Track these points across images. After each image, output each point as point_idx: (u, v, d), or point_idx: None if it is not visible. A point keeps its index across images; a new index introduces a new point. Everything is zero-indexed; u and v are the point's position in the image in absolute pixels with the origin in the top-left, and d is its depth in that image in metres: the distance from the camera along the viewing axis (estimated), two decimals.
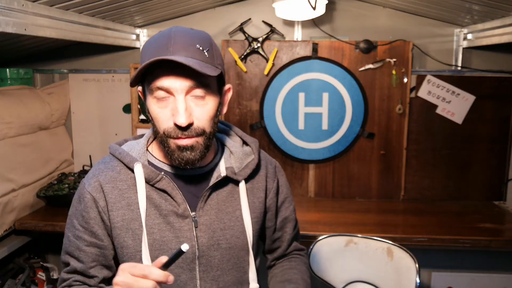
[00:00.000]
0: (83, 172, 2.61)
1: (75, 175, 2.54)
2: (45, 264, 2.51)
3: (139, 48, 2.68)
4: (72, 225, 1.07)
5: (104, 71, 2.70)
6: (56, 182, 2.43)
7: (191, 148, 0.96)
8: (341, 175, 2.62)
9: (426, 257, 2.38)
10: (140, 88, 1.04)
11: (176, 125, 0.94)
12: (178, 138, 0.95)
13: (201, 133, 0.96)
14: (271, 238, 1.25)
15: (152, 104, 0.96)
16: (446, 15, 2.38)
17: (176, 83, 0.92)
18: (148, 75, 0.95)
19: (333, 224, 2.15)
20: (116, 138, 2.73)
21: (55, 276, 2.51)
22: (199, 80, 0.93)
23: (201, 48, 0.94)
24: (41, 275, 2.46)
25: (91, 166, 2.72)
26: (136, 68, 2.59)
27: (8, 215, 2.15)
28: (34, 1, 1.61)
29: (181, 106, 0.92)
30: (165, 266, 0.84)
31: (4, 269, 2.30)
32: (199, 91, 0.94)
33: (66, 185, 2.40)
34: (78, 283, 1.05)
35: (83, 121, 2.75)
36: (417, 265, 1.65)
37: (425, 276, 2.47)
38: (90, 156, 2.74)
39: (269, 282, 1.25)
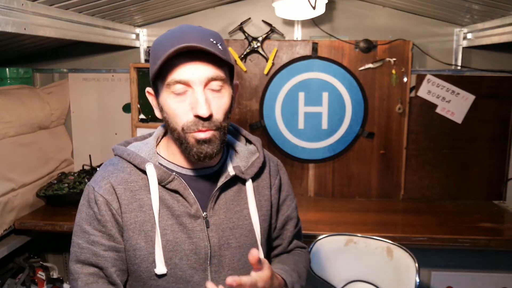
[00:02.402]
0: (83, 172, 2.61)
1: (75, 174, 2.54)
2: (45, 264, 2.51)
3: (139, 47, 2.67)
4: (84, 231, 1.02)
5: (104, 71, 2.70)
6: (56, 181, 2.43)
7: (209, 141, 0.96)
8: (341, 175, 2.62)
9: (426, 257, 2.38)
10: (149, 89, 1.03)
11: (196, 117, 0.94)
12: (198, 131, 0.95)
13: (219, 126, 0.97)
14: (273, 236, 1.24)
15: (168, 100, 0.96)
16: (446, 14, 2.38)
17: (195, 75, 0.93)
18: (163, 70, 0.95)
19: (333, 224, 2.15)
20: (116, 137, 2.73)
21: (55, 276, 2.51)
22: (217, 72, 0.94)
23: (214, 41, 0.95)
24: (41, 274, 2.46)
25: (91, 165, 2.72)
26: (136, 68, 2.60)
27: (8, 215, 2.15)
28: (33, 1, 1.61)
29: (202, 97, 0.93)
30: None
31: (4, 268, 2.30)
32: (216, 83, 0.95)
33: (66, 185, 2.40)
34: None
35: (83, 120, 2.75)
36: (416, 265, 1.65)
37: (425, 275, 2.47)
38: (90, 155, 2.73)
39: None
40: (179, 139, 0.98)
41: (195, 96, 0.94)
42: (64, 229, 2.13)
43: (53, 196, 2.34)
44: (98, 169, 1.10)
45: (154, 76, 0.96)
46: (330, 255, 1.81)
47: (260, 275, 0.93)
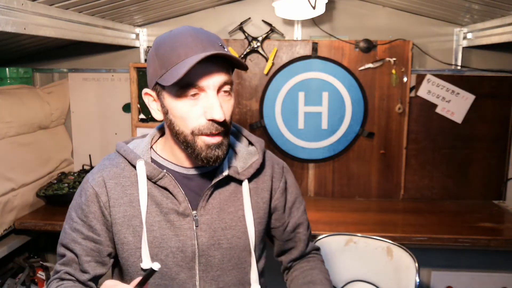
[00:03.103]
0: (83, 172, 2.61)
1: (75, 174, 2.54)
2: (44, 264, 2.50)
3: (138, 47, 2.67)
4: (70, 218, 1.07)
5: (104, 71, 2.70)
6: (55, 181, 2.43)
7: (220, 145, 0.98)
8: (340, 175, 2.62)
9: (426, 256, 2.38)
10: (148, 90, 1.01)
11: (211, 121, 0.94)
12: (210, 135, 0.96)
13: (228, 129, 0.99)
14: (282, 238, 1.22)
15: (179, 103, 0.95)
16: (446, 14, 2.38)
17: (210, 80, 0.93)
18: (174, 74, 0.92)
19: (333, 224, 2.15)
20: (116, 137, 2.73)
21: None
22: (227, 77, 0.96)
23: (221, 45, 0.97)
24: (41, 274, 2.46)
25: (90, 165, 2.72)
26: (136, 68, 2.60)
27: (8, 215, 2.15)
28: (33, 1, 1.61)
29: (217, 101, 0.94)
30: (139, 285, 0.87)
31: (4, 268, 2.30)
32: (227, 87, 0.97)
33: (66, 185, 2.40)
34: (68, 276, 1.06)
35: (83, 120, 2.75)
36: (416, 264, 1.65)
37: (425, 275, 2.47)
38: (89, 155, 2.74)
39: (289, 285, 1.23)
40: (185, 142, 0.98)
41: (209, 100, 0.94)
42: None
43: (53, 196, 2.34)
44: None
45: (175, 82, 0.90)
46: (330, 255, 1.81)
47: None
